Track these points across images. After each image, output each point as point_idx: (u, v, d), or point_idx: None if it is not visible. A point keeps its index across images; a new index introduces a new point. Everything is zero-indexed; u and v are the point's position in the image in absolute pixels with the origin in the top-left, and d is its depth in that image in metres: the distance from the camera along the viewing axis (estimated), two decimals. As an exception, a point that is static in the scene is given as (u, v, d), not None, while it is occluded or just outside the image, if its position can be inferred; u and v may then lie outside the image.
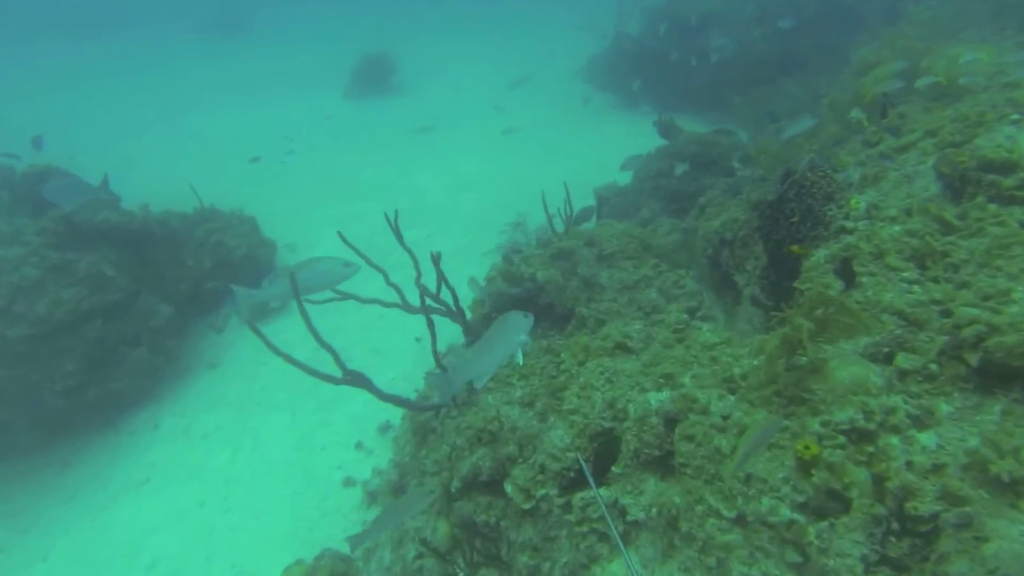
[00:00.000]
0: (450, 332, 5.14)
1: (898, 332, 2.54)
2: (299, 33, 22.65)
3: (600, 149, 10.67)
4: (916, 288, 2.71)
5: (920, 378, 2.34)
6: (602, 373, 3.28)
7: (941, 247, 2.80)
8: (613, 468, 2.92)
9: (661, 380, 3.06)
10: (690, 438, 2.65)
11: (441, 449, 3.67)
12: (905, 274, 2.81)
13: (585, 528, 2.88)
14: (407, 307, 4.35)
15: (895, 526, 1.99)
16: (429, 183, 10.63)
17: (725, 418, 2.63)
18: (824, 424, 2.30)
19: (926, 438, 2.08)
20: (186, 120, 14.79)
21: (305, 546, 4.68)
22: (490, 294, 4.65)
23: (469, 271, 5.51)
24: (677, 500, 2.60)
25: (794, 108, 7.78)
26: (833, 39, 10.28)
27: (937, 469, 1.95)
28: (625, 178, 7.66)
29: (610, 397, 3.08)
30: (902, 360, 2.41)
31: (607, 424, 3.02)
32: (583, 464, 2.95)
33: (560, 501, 3.01)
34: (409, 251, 4.25)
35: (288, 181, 11.32)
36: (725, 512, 2.36)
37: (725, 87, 10.06)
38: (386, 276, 4.22)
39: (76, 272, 6.03)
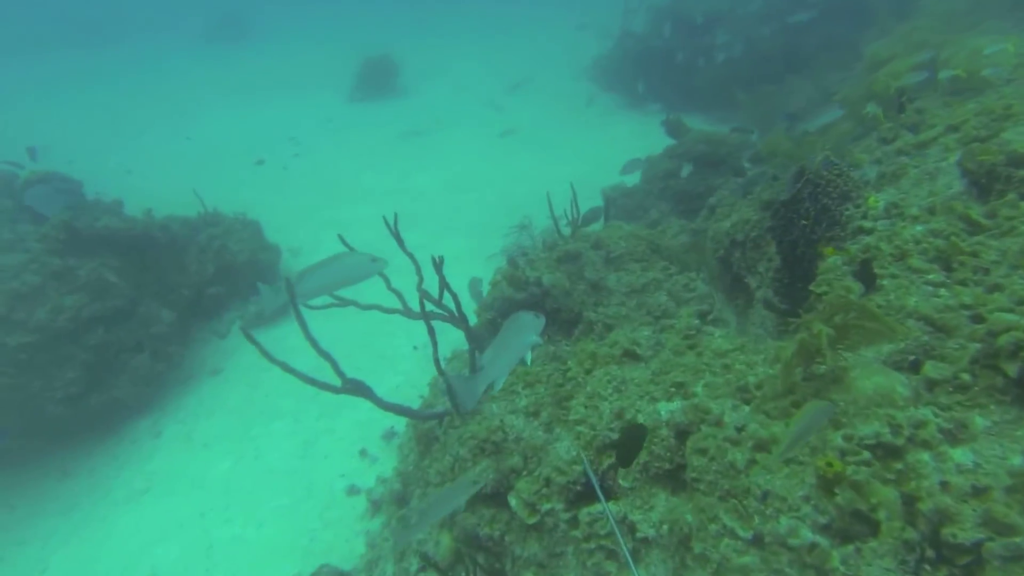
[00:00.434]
0: (453, 338, 5.03)
1: (925, 339, 2.39)
2: (300, 35, 22.64)
3: (606, 150, 10.52)
4: (943, 291, 2.55)
5: (951, 389, 2.18)
6: (610, 382, 3.15)
7: (969, 248, 2.64)
8: (621, 482, 2.80)
9: (672, 389, 2.92)
10: (703, 451, 2.50)
11: (444, 459, 3.56)
12: (930, 276, 2.66)
13: (592, 544, 2.76)
14: (408, 313, 4.23)
15: (929, 553, 1.82)
16: (432, 186, 10.54)
17: (740, 430, 2.49)
18: (847, 438, 2.14)
19: (960, 455, 1.92)
20: (187, 123, 14.78)
21: (307, 557, 4.59)
22: (485, 300, 4.53)
23: (473, 275, 5.39)
24: (689, 517, 2.46)
25: (805, 106, 7.62)
26: (841, 35, 10.10)
27: (978, 492, 1.78)
28: (633, 178, 7.52)
29: (618, 407, 2.95)
30: (931, 369, 2.24)
31: (615, 436, 2.88)
32: (590, 474, 2.82)
33: (566, 516, 2.88)
34: (411, 256, 4.14)
35: (290, 184, 11.27)
36: (741, 532, 2.22)
37: (732, 85, 9.90)
38: (387, 281, 4.11)
39: (77, 279, 5.98)
